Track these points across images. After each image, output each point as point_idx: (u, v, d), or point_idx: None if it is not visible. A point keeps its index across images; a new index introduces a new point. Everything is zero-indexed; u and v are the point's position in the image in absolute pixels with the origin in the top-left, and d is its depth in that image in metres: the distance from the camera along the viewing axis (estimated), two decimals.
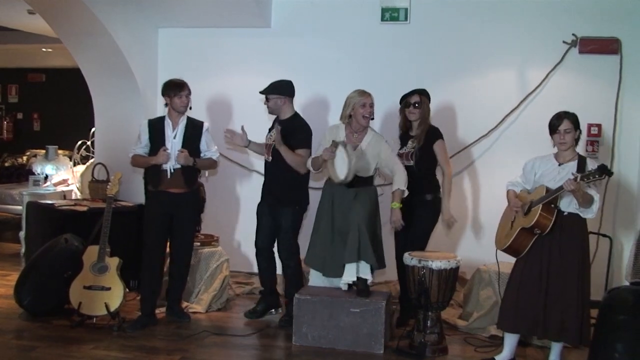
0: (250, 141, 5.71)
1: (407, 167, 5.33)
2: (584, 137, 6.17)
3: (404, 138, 5.54)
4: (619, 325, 4.23)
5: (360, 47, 6.73)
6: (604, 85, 6.21)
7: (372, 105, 5.30)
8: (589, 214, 4.43)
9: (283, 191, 5.53)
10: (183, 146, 5.45)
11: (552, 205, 4.39)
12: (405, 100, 5.47)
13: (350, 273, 5.12)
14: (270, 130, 5.65)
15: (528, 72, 6.36)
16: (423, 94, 5.46)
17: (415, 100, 5.40)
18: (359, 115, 5.26)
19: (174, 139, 5.46)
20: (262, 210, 5.64)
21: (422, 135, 5.38)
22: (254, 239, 5.67)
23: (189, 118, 5.56)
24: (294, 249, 5.60)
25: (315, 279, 5.42)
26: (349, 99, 5.34)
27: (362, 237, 5.05)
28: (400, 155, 5.42)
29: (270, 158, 5.52)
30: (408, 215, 5.32)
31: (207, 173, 6.05)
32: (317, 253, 5.32)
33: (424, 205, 5.36)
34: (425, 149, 5.36)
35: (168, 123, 5.50)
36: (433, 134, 5.42)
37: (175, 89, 5.45)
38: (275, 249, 5.66)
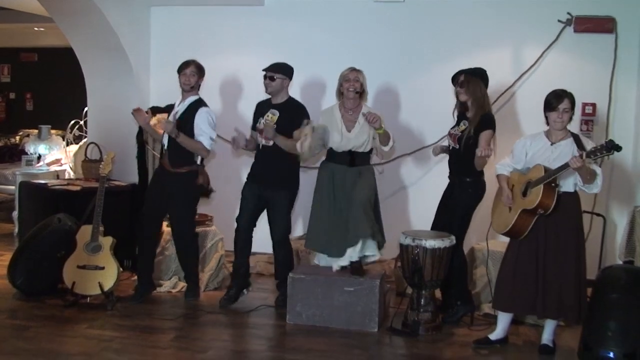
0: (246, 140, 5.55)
1: (452, 149, 5.23)
2: (578, 116, 6.19)
3: (459, 117, 5.27)
4: (611, 303, 4.25)
5: (354, 26, 6.67)
6: (599, 65, 6.19)
7: (357, 80, 5.27)
8: (595, 189, 4.41)
9: (280, 174, 5.48)
10: (178, 123, 5.44)
11: (553, 185, 4.36)
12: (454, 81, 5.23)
13: (353, 254, 5.12)
14: (261, 115, 5.46)
15: (523, 51, 6.33)
16: (471, 73, 5.14)
17: (460, 80, 5.14)
18: (345, 89, 5.29)
19: (175, 114, 5.50)
20: (251, 193, 5.50)
21: (475, 121, 5.05)
22: (238, 220, 5.55)
23: (199, 99, 5.58)
24: (289, 230, 5.60)
25: (322, 260, 5.43)
26: (339, 76, 5.36)
27: (368, 215, 5.09)
28: (449, 134, 5.29)
29: (272, 145, 5.41)
30: (449, 198, 5.27)
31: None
32: (320, 235, 5.30)
33: (463, 186, 5.16)
34: (475, 137, 5.05)
35: (179, 99, 5.59)
36: (484, 123, 5.05)
37: (181, 67, 5.53)
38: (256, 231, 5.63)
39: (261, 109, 5.54)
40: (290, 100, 5.52)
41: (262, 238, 5.66)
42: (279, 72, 5.42)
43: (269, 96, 5.52)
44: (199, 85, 5.61)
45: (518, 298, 4.51)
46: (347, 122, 5.32)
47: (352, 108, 5.34)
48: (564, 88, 4.52)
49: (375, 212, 5.29)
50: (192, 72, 5.50)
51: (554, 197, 4.35)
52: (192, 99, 5.54)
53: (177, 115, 5.48)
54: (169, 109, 5.65)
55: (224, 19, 6.97)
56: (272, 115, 5.41)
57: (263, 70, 5.44)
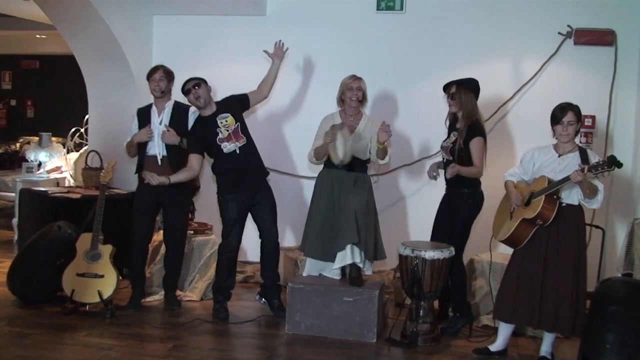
0: None
1: (446, 161, 5.22)
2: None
3: (450, 129, 5.31)
4: (610, 316, 4.24)
5: (356, 36, 6.70)
6: (599, 77, 6.20)
7: (359, 89, 5.33)
8: (594, 205, 4.43)
9: (260, 172, 5.52)
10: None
11: (555, 197, 4.39)
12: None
13: (342, 259, 5.11)
14: (213, 129, 5.36)
15: (523, 63, 6.34)
16: (462, 84, 5.15)
17: (451, 91, 5.15)
18: (347, 98, 5.33)
19: (160, 124, 5.48)
20: (238, 208, 5.39)
21: (463, 131, 5.09)
22: (228, 241, 5.42)
23: (176, 102, 5.59)
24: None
25: (310, 268, 5.41)
26: (341, 83, 5.41)
27: (359, 222, 5.06)
28: (442, 148, 5.32)
29: (246, 141, 5.41)
30: (447, 209, 5.28)
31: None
32: (315, 240, 5.30)
33: (461, 198, 5.17)
34: (465, 147, 5.09)
35: (154, 109, 5.56)
36: (472, 131, 5.09)
37: (149, 73, 5.53)
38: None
39: (205, 126, 5.41)
40: (218, 103, 5.50)
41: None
42: (204, 82, 5.40)
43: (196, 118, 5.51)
44: (170, 90, 5.60)
45: (520, 309, 4.51)
46: (347, 127, 5.34)
47: (352, 115, 5.40)
48: (566, 101, 4.55)
49: (374, 224, 5.31)
50: (160, 77, 5.49)
51: (554, 209, 4.36)
52: (170, 104, 5.56)
53: (163, 126, 5.46)
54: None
55: (226, 28, 6.99)
56: (227, 119, 5.39)
57: (184, 86, 5.36)
